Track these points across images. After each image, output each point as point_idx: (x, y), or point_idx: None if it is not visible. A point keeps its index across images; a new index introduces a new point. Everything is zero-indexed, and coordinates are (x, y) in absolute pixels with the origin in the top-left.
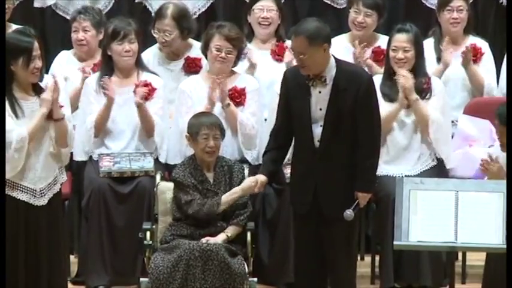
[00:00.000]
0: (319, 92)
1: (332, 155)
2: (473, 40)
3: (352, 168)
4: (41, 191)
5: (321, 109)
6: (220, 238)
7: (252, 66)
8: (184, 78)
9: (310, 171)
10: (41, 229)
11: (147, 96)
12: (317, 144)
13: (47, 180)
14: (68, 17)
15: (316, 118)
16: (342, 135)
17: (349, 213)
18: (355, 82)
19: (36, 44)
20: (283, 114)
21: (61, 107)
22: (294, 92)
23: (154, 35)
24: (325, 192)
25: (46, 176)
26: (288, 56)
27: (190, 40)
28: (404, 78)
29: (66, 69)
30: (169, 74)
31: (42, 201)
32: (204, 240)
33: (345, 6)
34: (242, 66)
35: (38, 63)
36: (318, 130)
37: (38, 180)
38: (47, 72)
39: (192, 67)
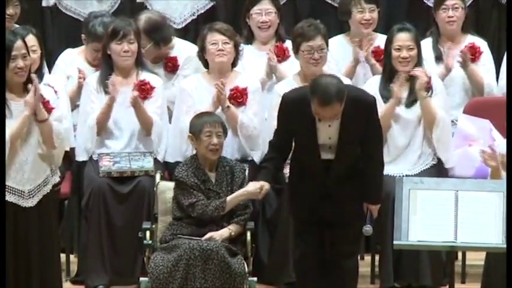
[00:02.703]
0: (329, 126)
1: (343, 167)
2: (471, 39)
3: (361, 182)
4: (29, 192)
5: (330, 138)
6: (224, 233)
7: (277, 72)
8: (168, 79)
9: (319, 189)
10: (30, 230)
11: (145, 95)
12: (327, 163)
13: (36, 181)
14: (74, 16)
15: (325, 144)
16: (352, 157)
17: (368, 229)
18: (363, 109)
19: (19, 43)
20: (283, 134)
21: (52, 108)
22: (298, 121)
23: None
24: (334, 208)
25: (35, 178)
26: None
27: (174, 40)
28: (421, 74)
29: (70, 68)
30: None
31: (31, 203)
32: (207, 235)
33: None
34: (242, 66)
35: (20, 62)
36: (326, 151)
37: (26, 182)
38: (49, 71)
39: (168, 67)
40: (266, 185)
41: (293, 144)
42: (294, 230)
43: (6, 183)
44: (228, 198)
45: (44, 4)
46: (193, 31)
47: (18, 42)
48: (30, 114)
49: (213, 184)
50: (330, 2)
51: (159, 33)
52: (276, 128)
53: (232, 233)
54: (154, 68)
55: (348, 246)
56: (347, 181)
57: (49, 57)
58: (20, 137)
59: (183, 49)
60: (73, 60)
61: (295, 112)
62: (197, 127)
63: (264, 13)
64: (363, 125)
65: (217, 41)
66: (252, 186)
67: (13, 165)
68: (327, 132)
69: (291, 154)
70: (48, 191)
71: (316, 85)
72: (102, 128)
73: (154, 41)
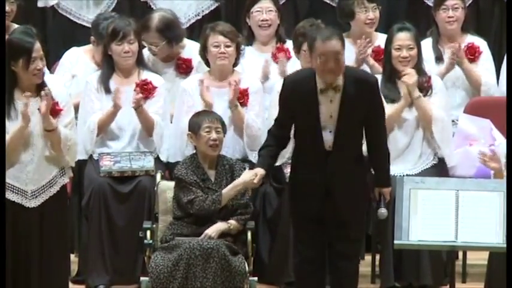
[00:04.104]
0: (331, 101)
1: (343, 156)
2: (471, 39)
3: (362, 162)
4: (32, 192)
5: (331, 116)
6: (221, 226)
7: (265, 78)
8: (178, 79)
9: (320, 172)
10: (31, 230)
11: (147, 95)
12: (328, 148)
13: (39, 182)
14: (70, 17)
15: (326, 125)
16: (352, 138)
17: (383, 211)
18: (365, 88)
19: (37, 45)
20: (284, 118)
21: (60, 110)
22: (299, 100)
23: (144, 45)
24: (338, 192)
25: (39, 178)
26: (281, 57)
27: (184, 40)
28: (409, 75)
29: (75, 66)
30: (164, 76)
31: (34, 203)
32: (208, 232)
33: None
34: (242, 66)
35: (39, 64)
36: (327, 136)
37: (30, 182)
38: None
39: (182, 68)
40: (261, 171)
41: (291, 133)
42: (294, 234)
43: (10, 181)
44: (224, 190)
45: (39, 5)
46: (198, 30)
47: (37, 44)
48: (26, 126)
49: (213, 183)
50: (328, 1)
51: (172, 31)
52: (276, 116)
53: (231, 227)
54: (165, 67)
55: (347, 247)
56: (347, 176)
57: (48, 58)
58: (16, 147)
59: (194, 50)
60: (78, 59)
61: (297, 90)
62: (196, 124)
63: (264, 11)
64: (365, 104)
65: (219, 43)
66: (246, 175)
67: (17, 164)
68: (329, 108)
69: (292, 151)
70: (55, 192)
71: (316, 30)
72: (103, 130)
73: (167, 39)
